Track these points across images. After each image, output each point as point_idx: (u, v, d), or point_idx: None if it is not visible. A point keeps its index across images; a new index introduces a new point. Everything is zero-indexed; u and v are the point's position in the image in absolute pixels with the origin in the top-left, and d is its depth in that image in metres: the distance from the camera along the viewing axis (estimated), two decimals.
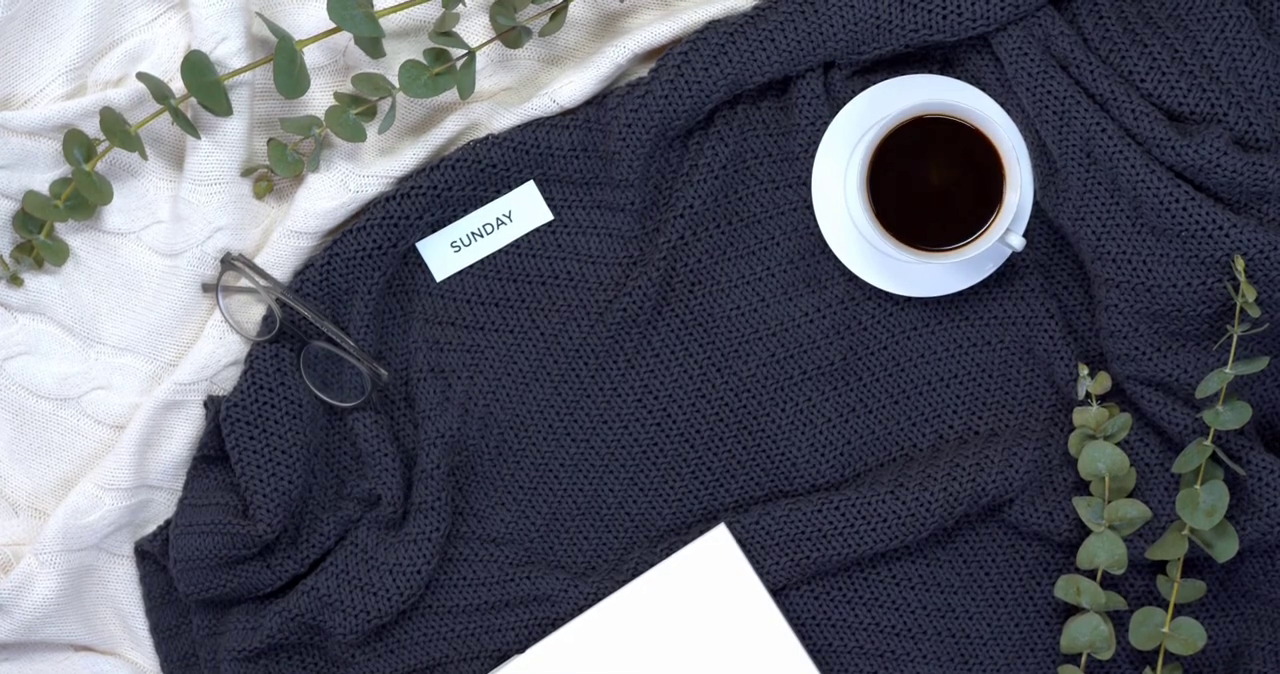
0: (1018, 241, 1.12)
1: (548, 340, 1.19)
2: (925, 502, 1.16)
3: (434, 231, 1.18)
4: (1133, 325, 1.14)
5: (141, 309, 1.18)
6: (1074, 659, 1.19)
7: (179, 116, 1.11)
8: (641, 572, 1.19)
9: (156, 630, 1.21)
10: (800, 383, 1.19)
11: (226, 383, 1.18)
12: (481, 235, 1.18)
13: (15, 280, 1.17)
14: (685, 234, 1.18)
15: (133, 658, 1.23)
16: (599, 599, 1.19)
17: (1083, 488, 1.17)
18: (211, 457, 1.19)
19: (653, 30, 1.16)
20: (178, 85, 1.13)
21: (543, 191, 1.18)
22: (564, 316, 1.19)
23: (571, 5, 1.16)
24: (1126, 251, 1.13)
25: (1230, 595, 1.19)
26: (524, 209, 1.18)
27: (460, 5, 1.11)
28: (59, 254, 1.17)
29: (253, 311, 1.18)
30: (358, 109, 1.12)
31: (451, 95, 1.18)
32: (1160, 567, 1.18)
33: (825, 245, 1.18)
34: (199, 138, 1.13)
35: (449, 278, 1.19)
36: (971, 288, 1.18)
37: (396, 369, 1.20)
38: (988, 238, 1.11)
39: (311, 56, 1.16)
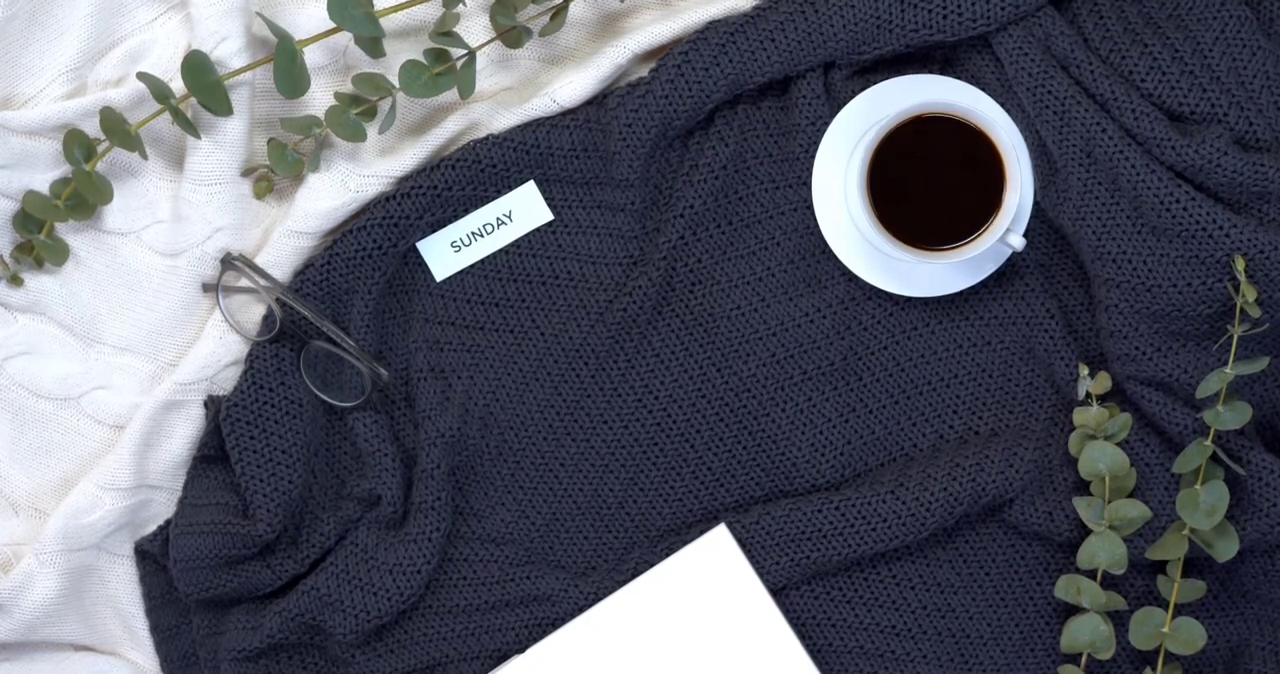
0: (1018, 241, 1.12)
1: (548, 340, 1.19)
2: (925, 502, 1.16)
3: (434, 231, 1.18)
4: (1133, 325, 1.14)
5: (141, 309, 1.18)
6: (1074, 659, 1.19)
7: (179, 116, 1.11)
8: (641, 571, 1.19)
9: (156, 630, 1.21)
10: (800, 383, 1.19)
11: (226, 383, 1.18)
12: (481, 235, 1.18)
13: (15, 280, 1.17)
14: (685, 234, 1.18)
15: (133, 658, 1.23)
16: (599, 599, 1.19)
17: (1083, 488, 1.17)
18: (211, 457, 1.19)
19: (653, 30, 1.16)
20: (178, 85, 1.13)
21: (543, 191, 1.18)
22: (564, 316, 1.19)
23: (571, 5, 1.16)
24: (1126, 251, 1.13)
25: (1230, 595, 1.19)
26: (524, 209, 1.18)
27: (460, 5, 1.11)
28: (59, 254, 1.17)
29: (253, 311, 1.18)
30: (358, 109, 1.12)
31: (451, 95, 1.18)
32: (1160, 567, 1.18)
33: (825, 245, 1.18)
34: (199, 138, 1.13)
35: (449, 278, 1.19)
36: (971, 288, 1.18)
37: (396, 369, 1.20)
38: (988, 238, 1.11)
39: (311, 56, 1.16)
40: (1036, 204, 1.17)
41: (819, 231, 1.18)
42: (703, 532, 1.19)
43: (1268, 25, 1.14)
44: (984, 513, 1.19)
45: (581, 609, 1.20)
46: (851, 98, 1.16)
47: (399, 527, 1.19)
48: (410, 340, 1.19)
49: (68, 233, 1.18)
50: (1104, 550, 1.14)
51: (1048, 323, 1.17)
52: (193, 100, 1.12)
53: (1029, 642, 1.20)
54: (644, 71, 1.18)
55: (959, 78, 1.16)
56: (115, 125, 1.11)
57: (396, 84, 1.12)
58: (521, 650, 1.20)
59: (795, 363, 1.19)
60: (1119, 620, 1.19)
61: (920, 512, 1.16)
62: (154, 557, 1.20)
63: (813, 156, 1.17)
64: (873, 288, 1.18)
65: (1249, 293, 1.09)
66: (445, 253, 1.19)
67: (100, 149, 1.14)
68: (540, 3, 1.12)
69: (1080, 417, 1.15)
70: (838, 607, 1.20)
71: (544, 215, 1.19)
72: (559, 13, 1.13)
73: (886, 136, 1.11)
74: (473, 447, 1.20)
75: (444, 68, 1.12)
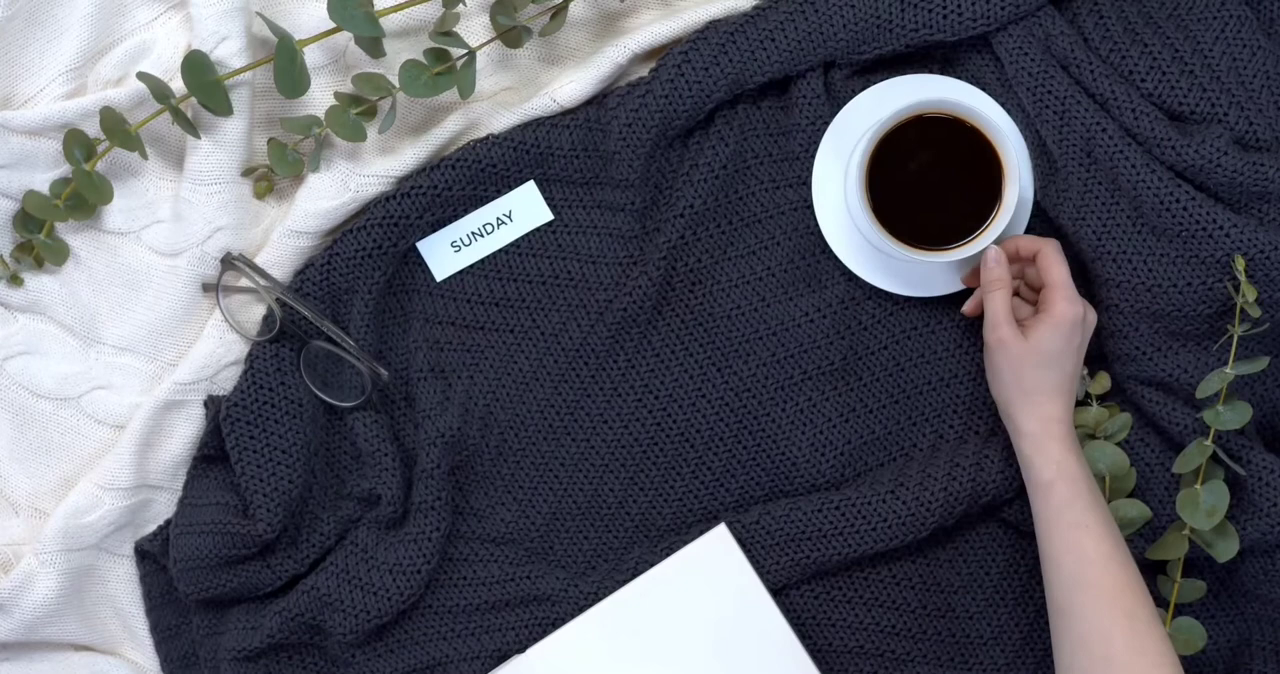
0: None
1: (548, 340, 1.19)
2: (925, 501, 1.16)
3: (434, 231, 1.18)
4: (1133, 325, 1.14)
5: (142, 309, 1.18)
6: None
7: (179, 116, 1.11)
8: (642, 571, 1.19)
9: (156, 630, 1.22)
10: (800, 383, 1.19)
11: (226, 383, 1.18)
12: (481, 235, 1.18)
13: (15, 280, 1.17)
14: (685, 234, 1.18)
15: (133, 658, 1.23)
16: (599, 598, 1.19)
17: None
18: (211, 456, 1.19)
19: (653, 30, 1.16)
20: (178, 85, 1.13)
21: (543, 191, 1.18)
22: (564, 316, 1.19)
23: (571, 5, 1.16)
24: (1126, 251, 1.13)
25: (1230, 595, 1.19)
26: (524, 209, 1.18)
27: (460, 5, 1.11)
28: (59, 254, 1.17)
29: (253, 311, 1.18)
30: (358, 109, 1.12)
31: (451, 95, 1.18)
32: (1160, 567, 1.18)
33: (825, 245, 1.18)
34: (199, 138, 1.13)
35: (449, 278, 1.19)
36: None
37: (396, 369, 1.20)
38: (988, 237, 1.11)
39: (312, 56, 1.16)
40: (1036, 204, 1.17)
41: (819, 231, 1.18)
42: (703, 531, 1.19)
43: (1268, 25, 1.14)
44: (984, 513, 1.19)
45: (582, 609, 1.20)
46: (851, 98, 1.16)
47: (399, 526, 1.19)
48: (410, 340, 1.19)
49: (68, 233, 1.18)
50: None
51: None
52: (193, 100, 1.12)
53: (1029, 642, 1.20)
54: (644, 71, 1.18)
55: (959, 78, 1.16)
56: (115, 125, 1.11)
57: (396, 84, 1.12)
58: (521, 650, 1.20)
59: (795, 363, 1.19)
60: None
61: (920, 511, 1.16)
62: (154, 557, 1.20)
63: (812, 156, 1.17)
64: (872, 288, 1.18)
65: (1249, 293, 1.09)
66: (445, 253, 1.19)
67: (100, 149, 1.14)
68: (540, 3, 1.12)
69: (1080, 416, 1.15)
70: (838, 607, 1.20)
71: (544, 215, 1.19)
72: (559, 13, 1.13)
73: (886, 136, 1.11)
74: (473, 447, 1.20)
75: (444, 68, 1.12)
